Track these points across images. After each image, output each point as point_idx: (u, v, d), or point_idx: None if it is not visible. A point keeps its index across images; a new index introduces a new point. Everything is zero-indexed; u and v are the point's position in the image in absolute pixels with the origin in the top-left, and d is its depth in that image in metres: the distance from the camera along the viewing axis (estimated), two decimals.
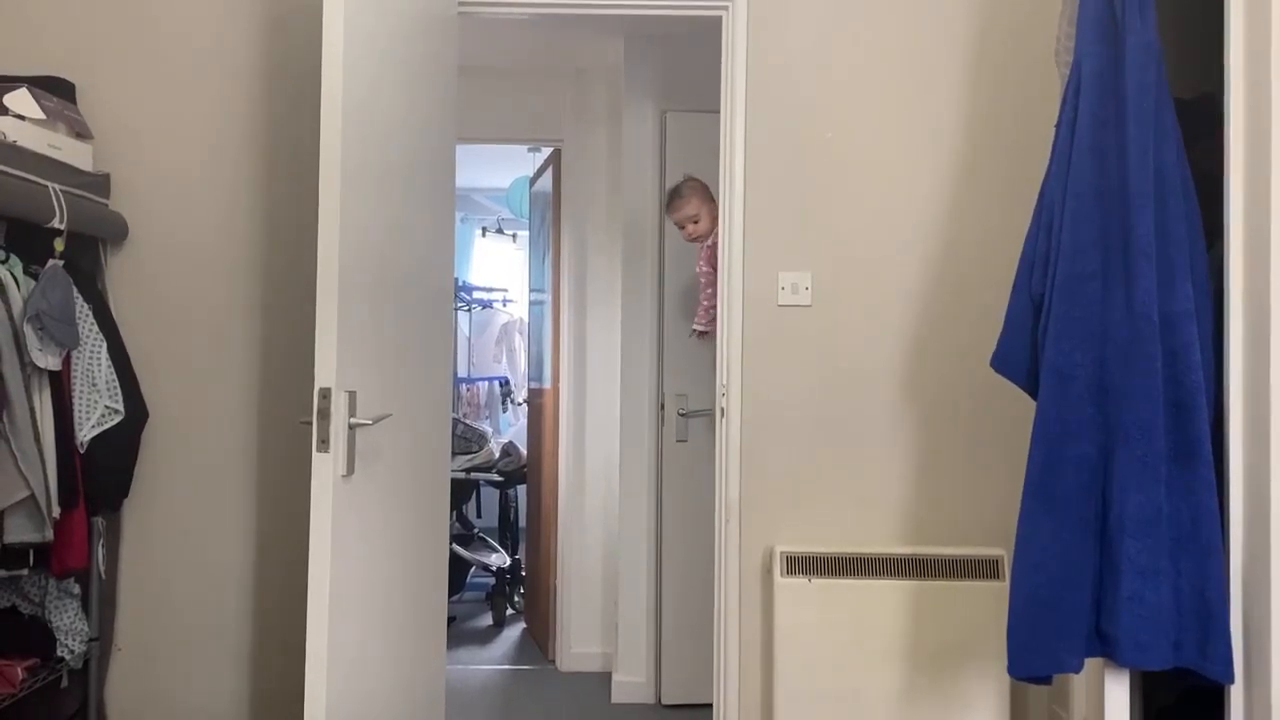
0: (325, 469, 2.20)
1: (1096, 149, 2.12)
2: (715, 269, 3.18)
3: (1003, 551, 2.86)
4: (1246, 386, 2.05)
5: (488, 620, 5.31)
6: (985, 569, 2.87)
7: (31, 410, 2.50)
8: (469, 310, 7.07)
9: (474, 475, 5.47)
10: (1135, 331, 2.04)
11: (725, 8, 3.02)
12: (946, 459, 3.00)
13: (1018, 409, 2.83)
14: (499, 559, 5.44)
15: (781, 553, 2.89)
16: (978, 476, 2.99)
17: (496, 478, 5.52)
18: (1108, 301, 2.09)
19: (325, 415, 2.20)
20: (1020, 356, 2.27)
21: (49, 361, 2.55)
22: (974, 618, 2.82)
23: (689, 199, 3.42)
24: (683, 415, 3.87)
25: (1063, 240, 2.14)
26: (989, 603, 2.80)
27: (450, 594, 4.29)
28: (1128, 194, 2.06)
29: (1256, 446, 2.01)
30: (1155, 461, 2.02)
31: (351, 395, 2.26)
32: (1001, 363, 2.32)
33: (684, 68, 3.96)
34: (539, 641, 4.77)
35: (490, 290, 7.18)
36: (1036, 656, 2.12)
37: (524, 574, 5.43)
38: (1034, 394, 2.22)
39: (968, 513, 2.99)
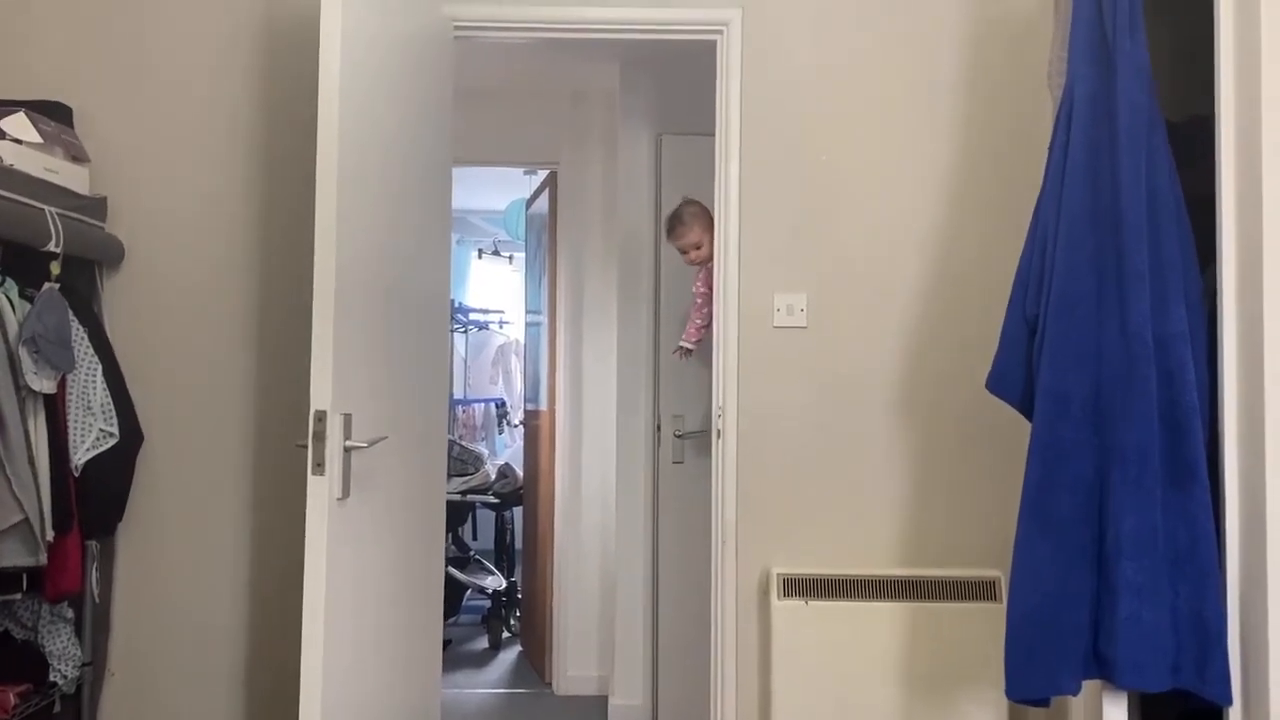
0: (320, 492, 2.20)
1: (1089, 170, 2.13)
2: (712, 290, 3.18)
3: (999, 573, 2.85)
4: (1241, 407, 2.05)
5: (484, 643, 5.28)
6: (982, 590, 2.86)
7: (26, 433, 2.49)
8: (465, 332, 7.07)
9: (470, 497, 5.46)
10: (1129, 353, 2.04)
11: (720, 31, 3.05)
12: (943, 480, 3.00)
13: (1013, 430, 2.83)
14: (495, 581, 5.42)
15: (778, 574, 2.88)
16: (974, 498, 2.99)
17: (492, 500, 5.51)
18: (1102, 323, 2.09)
19: (320, 438, 2.20)
20: (1015, 377, 2.27)
21: (44, 385, 2.54)
22: (971, 639, 2.81)
23: (691, 226, 3.42)
24: (679, 437, 3.87)
25: (1057, 261, 2.15)
26: (986, 624, 2.79)
27: (446, 617, 4.26)
28: (1121, 215, 2.07)
29: (1252, 467, 2.01)
30: (1151, 483, 2.02)
31: (347, 418, 2.26)
32: (997, 384, 2.32)
33: (679, 92, 3.99)
34: (535, 664, 4.74)
35: (486, 312, 7.19)
36: (1034, 678, 2.11)
37: (520, 597, 5.41)
38: (1029, 415, 2.22)
39: (964, 534, 2.98)
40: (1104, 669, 2.05)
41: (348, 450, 2.25)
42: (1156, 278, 2.05)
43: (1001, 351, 2.31)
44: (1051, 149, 2.25)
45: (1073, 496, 2.09)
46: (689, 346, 3.50)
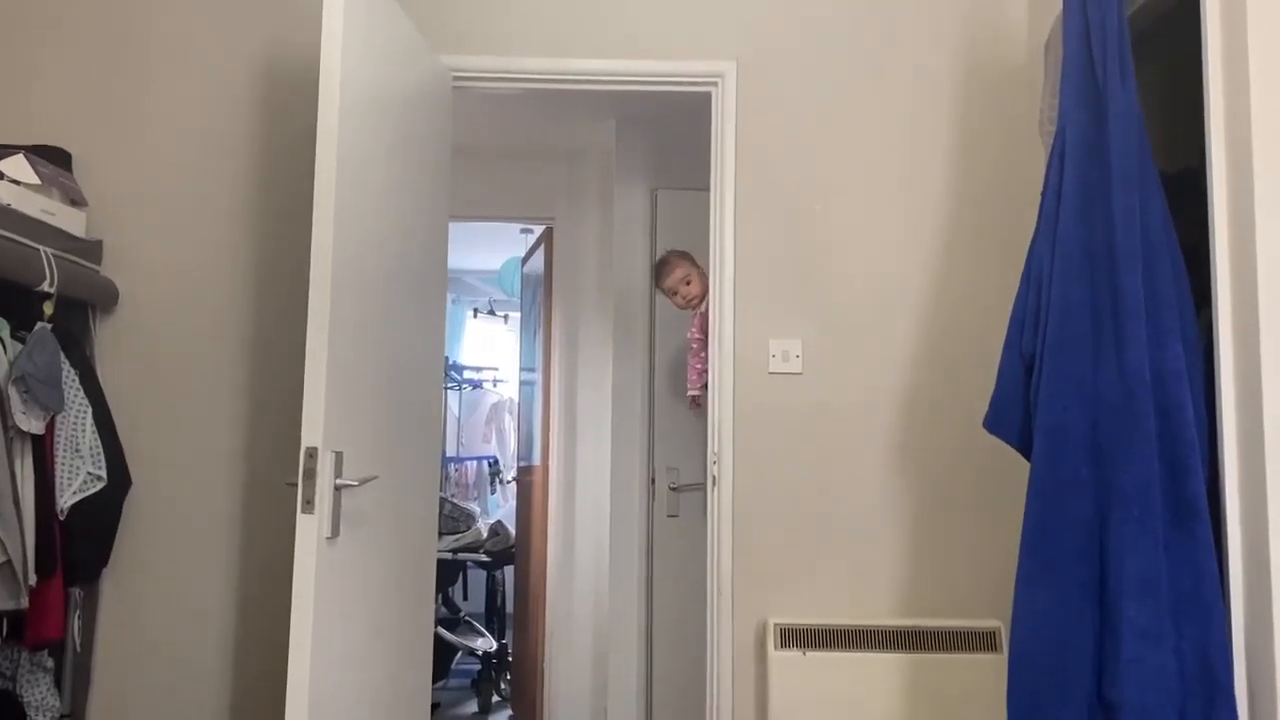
0: (309, 530, 2.16)
1: (1083, 210, 2.14)
2: (706, 336, 3.18)
3: (999, 623, 2.81)
4: (1241, 447, 2.03)
5: (473, 707, 5.17)
6: (982, 641, 2.81)
7: (12, 474, 2.45)
8: (459, 390, 7.05)
9: (461, 556, 5.38)
10: (1127, 390, 2.03)
11: (715, 83, 3.09)
12: (941, 528, 2.97)
13: (1012, 477, 2.82)
14: (485, 643, 5.33)
15: (775, 625, 2.83)
16: (973, 546, 2.95)
17: (484, 558, 5.44)
18: (1099, 360, 2.09)
19: (311, 475, 2.17)
20: (1013, 417, 2.26)
21: (32, 425, 2.51)
22: (972, 691, 2.75)
23: (677, 264, 3.45)
24: (674, 490, 3.83)
25: (1052, 300, 2.15)
26: (987, 675, 2.74)
27: (435, 679, 4.17)
28: (1115, 253, 2.07)
29: (1254, 507, 1.99)
30: (1152, 522, 1.99)
31: (338, 456, 2.23)
32: (994, 423, 2.31)
33: (674, 148, 4.05)
34: None
35: (480, 370, 7.18)
36: None
37: (511, 659, 5.31)
38: (1028, 455, 2.21)
39: (964, 584, 2.94)
40: (1109, 714, 2.00)
41: (338, 489, 2.22)
42: (1153, 315, 2.05)
43: (999, 391, 2.30)
44: (1045, 191, 2.27)
45: (1073, 536, 2.06)
46: (697, 393, 3.48)
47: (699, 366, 3.43)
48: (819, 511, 2.96)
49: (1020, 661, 2.09)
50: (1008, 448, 2.37)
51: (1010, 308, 2.36)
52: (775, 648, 2.80)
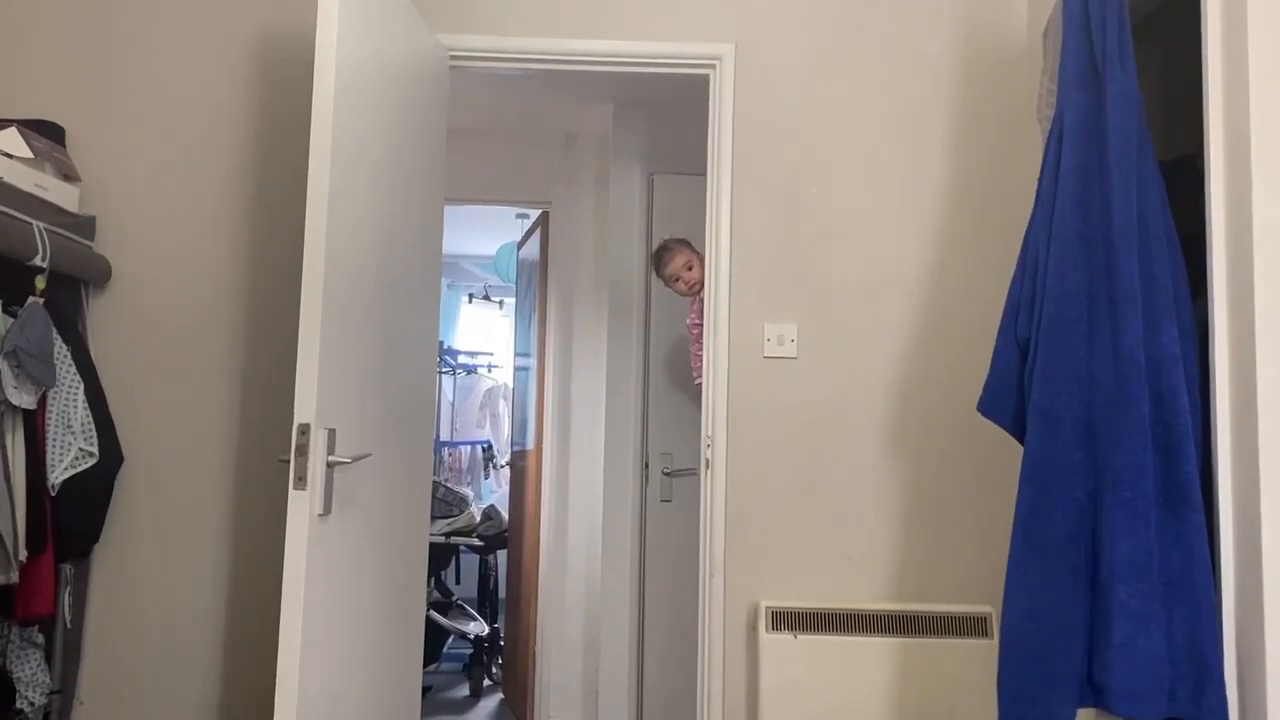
0: (301, 506, 2.15)
1: (1080, 194, 2.13)
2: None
3: (990, 609, 2.82)
4: (1235, 434, 2.03)
5: (465, 691, 5.17)
6: (973, 627, 2.82)
7: (3, 448, 2.45)
8: (454, 375, 7.05)
9: (454, 540, 5.38)
10: (1122, 374, 2.03)
11: (713, 66, 3.08)
12: (933, 513, 2.97)
13: (1004, 464, 2.83)
14: (477, 627, 5.33)
15: (767, 607, 2.83)
16: (965, 530, 2.96)
17: (477, 542, 5.44)
18: (1094, 345, 2.08)
19: (303, 452, 2.16)
20: (1007, 400, 2.25)
21: (24, 399, 2.50)
22: (962, 676, 2.75)
23: (678, 250, 3.41)
24: (667, 474, 3.83)
25: (1048, 284, 2.15)
26: (977, 661, 2.74)
27: (427, 663, 4.17)
28: (1111, 238, 2.07)
29: (1246, 493, 1.99)
30: (1145, 506, 1.99)
31: (331, 433, 2.22)
32: (988, 407, 2.30)
33: (670, 133, 4.03)
34: (516, 712, 4.64)
35: (475, 355, 7.17)
36: (1028, 708, 2.06)
37: (502, 643, 5.31)
38: (1021, 438, 2.20)
39: (955, 569, 2.94)
40: (1099, 697, 2.01)
41: (330, 465, 2.21)
42: (1148, 299, 2.04)
43: (993, 374, 2.29)
44: (1042, 174, 2.26)
45: (1065, 520, 2.06)
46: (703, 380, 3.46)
47: (702, 353, 3.41)
48: (812, 495, 2.96)
49: (1011, 644, 2.09)
50: (1002, 432, 2.36)
51: (1006, 292, 2.35)
52: (766, 631, 2.80)
